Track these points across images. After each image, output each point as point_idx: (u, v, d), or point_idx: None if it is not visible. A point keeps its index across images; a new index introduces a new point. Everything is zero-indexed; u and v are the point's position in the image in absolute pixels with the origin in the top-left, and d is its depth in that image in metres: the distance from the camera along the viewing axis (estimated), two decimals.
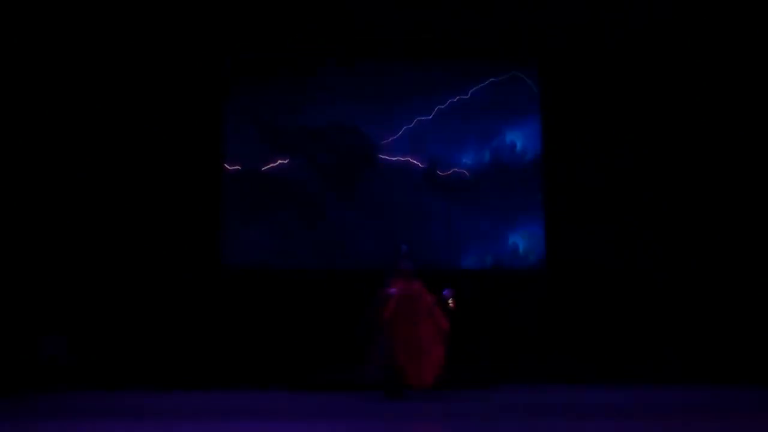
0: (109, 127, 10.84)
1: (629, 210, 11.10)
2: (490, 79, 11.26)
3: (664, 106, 11.21)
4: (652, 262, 10.94)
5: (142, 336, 10.56)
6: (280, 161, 11.03)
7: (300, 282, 10.85)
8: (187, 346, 10.59)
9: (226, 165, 10.97)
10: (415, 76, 11.22)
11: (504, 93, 11.27)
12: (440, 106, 11.22)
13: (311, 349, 10.53)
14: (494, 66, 11.31)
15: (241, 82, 11.10)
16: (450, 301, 7.86)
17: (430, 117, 11.19)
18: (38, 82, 10.71)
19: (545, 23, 11.03)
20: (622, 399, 8.16)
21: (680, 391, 8.93)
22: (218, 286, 10.82)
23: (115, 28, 10.84)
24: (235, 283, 10.84)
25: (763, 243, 10.72)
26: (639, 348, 10.70)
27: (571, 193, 11.13)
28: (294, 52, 11.13)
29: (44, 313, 10.41)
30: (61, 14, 10.62)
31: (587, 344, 10.70)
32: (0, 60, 10.47)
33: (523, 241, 11.03)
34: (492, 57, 11.30)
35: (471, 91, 11.25)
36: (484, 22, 10.99)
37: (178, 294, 10.69)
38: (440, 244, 10.90)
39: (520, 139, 11.24)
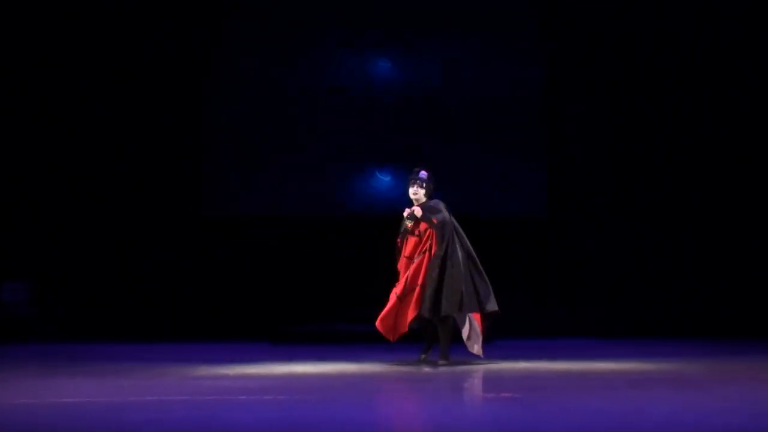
0: (83, 70, 10.40)
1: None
2: None
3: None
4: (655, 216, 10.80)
5: (115, 287, 10.26)
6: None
7: (284, 229, 10.57)
8: (163, 297, 10.31)
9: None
10: None
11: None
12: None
13: (295, 299, 10.28)
14: None
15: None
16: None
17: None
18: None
19: None
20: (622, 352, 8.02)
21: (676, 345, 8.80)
22: (198, 235, 10.50)
23: None
24: (216, 231, 10.53)
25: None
26: (642, 301, 10.62)
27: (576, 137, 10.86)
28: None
29: (8, 256, 10.07)
30: None
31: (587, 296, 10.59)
32: None
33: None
34: None
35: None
36: None
37: (156, 242, 10.39)
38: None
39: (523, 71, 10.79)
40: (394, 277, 7.09)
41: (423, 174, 7.22)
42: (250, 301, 10.31)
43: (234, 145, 10.59)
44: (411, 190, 7.22)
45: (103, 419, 4.28)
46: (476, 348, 7.02)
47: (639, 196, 10.84)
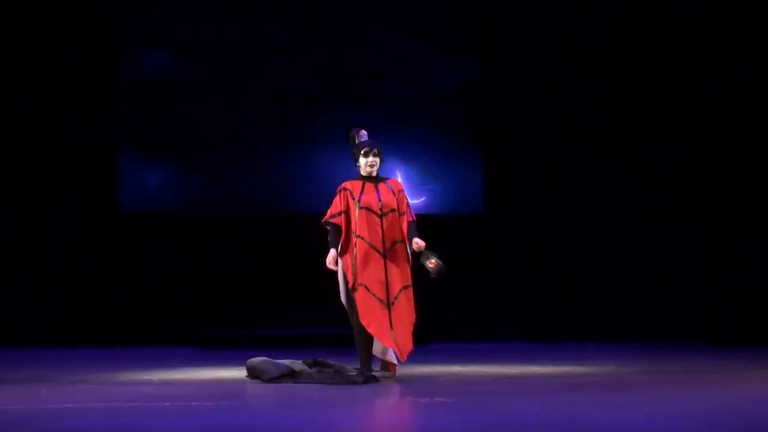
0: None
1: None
2: None
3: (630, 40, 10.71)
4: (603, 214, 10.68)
5: (31, 289, 9.90)
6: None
7: (206, 227, 10.26)
8: (83, 300, 9.95)
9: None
10: None
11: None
12: None
13: (221, 300, 10.06)
14: None
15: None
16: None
17: None
18: None
19: None
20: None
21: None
22: (115, 233, 10.15)
23: None
24: (133, 229, 10.19)
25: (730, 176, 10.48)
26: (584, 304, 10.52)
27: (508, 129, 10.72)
28: None
29: None
30: None
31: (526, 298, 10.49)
32: None
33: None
34: None
35: None
36: None
37: (75, 242, 10.03)
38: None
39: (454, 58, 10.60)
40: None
41: (364, 135, 6.36)
42: (174, 303, 10.03)
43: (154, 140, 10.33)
44: (366, 161, 6.28)
45: (18, 428, 4.11)
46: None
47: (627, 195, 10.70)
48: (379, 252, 6.14)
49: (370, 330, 6.04)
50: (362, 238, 6.15)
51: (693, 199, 10.48)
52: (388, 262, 6.14)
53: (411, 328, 6.14)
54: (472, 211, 10.54)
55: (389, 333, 6.02)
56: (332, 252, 6.20)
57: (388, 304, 6.09)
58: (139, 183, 10.23)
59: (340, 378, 5.95)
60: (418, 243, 6.08)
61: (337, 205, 6.27)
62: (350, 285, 6.13)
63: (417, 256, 6.14)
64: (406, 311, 6.14)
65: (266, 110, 10.39)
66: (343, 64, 10.50)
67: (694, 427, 4.06)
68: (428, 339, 9.23)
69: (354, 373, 6.04)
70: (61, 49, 10.10)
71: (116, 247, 10.16)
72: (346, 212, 6.23)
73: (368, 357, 6.19)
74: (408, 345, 6.07)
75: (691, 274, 10.44)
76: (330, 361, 6.32)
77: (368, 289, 6.09)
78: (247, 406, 4.96)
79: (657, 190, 10.62)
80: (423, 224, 6.30)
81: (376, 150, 6.30)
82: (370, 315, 6.04)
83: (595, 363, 7.37)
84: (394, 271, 6.15)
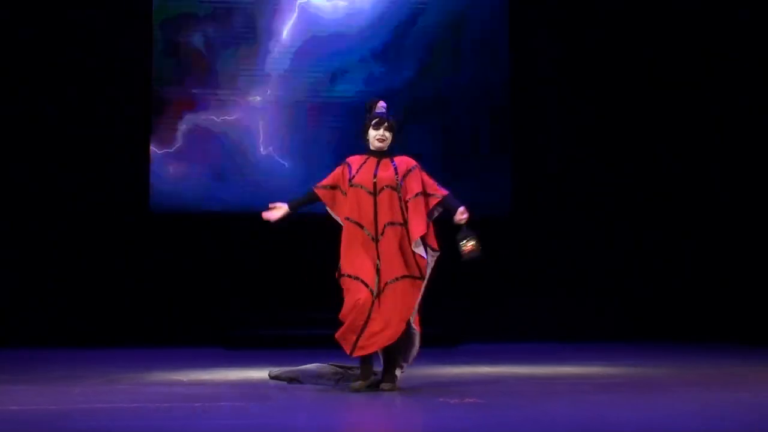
0: (35, 66, 10.07)
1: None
2: None
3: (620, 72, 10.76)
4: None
5: (62, 291, 9.90)
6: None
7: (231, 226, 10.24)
8: (114, 302, 9.99)
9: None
10: None
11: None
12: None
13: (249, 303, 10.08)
14: None
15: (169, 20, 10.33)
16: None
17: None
18: None
19: None
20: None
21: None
22: (147, 231, 10.19)
23: None
24: (164, 227, 10.22)
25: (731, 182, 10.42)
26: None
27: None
28: None
29: None
30: None
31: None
32: None
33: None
34: None
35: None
36: None
37: (105, 245, 10.06)
38: None
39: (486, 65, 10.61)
40: None
41: (382, 107, 5.59)
42: (202, 305, 10.06)
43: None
44: (376, 134, 5.53)
45: (49, 428, 4.12)
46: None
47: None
48: (370, 235, 5.41)
49: (340, 330, 5.36)
50: (349, 219, 5.47)
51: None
52: (381, 246, 5.39)
53: (399, 321, 5.31)
54: (501, 212, 10.48)
55: (352, 337, 5.29)
56: (280, 207, 5.59)
57: (376, 293, 5.33)
58: (170, 182, 10.26)
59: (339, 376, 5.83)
60: (461, 213, 5.39)
61: (331, 177, 5.64)
62: (336, 273, 5.52)
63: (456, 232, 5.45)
64: (397, 302, 5.33)
65: (296, 107, 10.43)
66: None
67: (725, 427, 4.03)
68: (458, 340, 9.22)
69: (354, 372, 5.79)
70: (95, 50, 10.16)
71: (147, 247, 10.21)
72: (333, 188, 5.60)
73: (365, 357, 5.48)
74: (380, 339, 5.29)
75: (723, 275, 10.29)
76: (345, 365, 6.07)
77: (352, 277, 5.38)
78: (279, 407, 4.94)
79: (688, 191, 10.59)
80: (450, 225, 5.76)
81: (388, 124, 5.52)
82: (347, 310, 5.33)
83: (624, 364, 7.33)
84: (391, 258, 5.38)
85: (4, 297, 9.74)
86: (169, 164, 10.27)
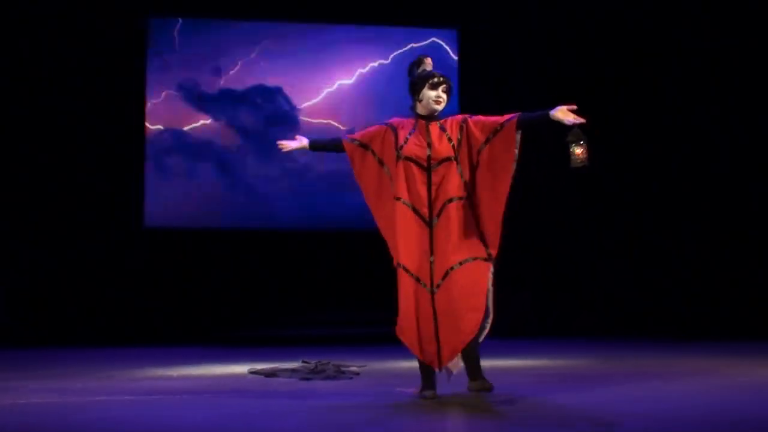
0: (29, 88, 10.43)
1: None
2: (410, 45, 11.23)
3: (592, 79, 10.84)
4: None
5: (59, 293, 10.28)
6: (202, 122, 10.85)
7: (220, 242, 10.68)
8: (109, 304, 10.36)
9: (147, 125, 10.74)
10: (336, 40, 11.10)
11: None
12: (361, 70, 11.18)
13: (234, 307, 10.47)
14: (415, 33, 11.19)
15: (161, 44, 10.85)
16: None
17: (351, 81, 11.14)
18: None
19: None
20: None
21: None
22: (140, 247, 10.57)
23: None
24: (157, 243, 10.62)
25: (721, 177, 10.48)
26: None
27: None
28: (213, 14, 10.93)
29: None
30: None
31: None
32: None
33: None
34: (413, 24, 11.17)
35: (392, 56, 11.20)
36: None
37: (102, 255, 10.43)
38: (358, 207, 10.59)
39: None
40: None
41: (431, 64, 4.91)
42: (195, 308, 10.45)
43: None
44: (431, 95, 4.78)
45: (50, 419, 4.31)
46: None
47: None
48: (423, 219, 4.70)
49: (401, 338, 4.73)
50: (400, 200, 4.73)
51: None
52: (436, 230, 4.67)
53: (473, 310, 4.60)
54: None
55: (431, 348, 4.62)
56: (300, 139, 5.10)
57: (432, 290, 4.64)
58: (163, 196, 10.63)
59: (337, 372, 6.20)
60: (562, 109, 4.67)
61: (366, 133, 4.96)
62: (393, 263, 4.79)
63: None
64: (465, 290, 4.59)
65: (293, 123, 10.86)
66: None
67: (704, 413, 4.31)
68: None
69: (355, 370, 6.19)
70: (88, 60, 10.49)
71: (143, 260, 10.56)
72: (364, 147, 4.90)
73: (425, 368, 4.75)
74: (454, 344, 4.61)
75: (737, 271, 10.27)
76: (333, 363, 6.52)
77: (408, 271, 4.69)
78: (257, 396, 5.14)
79: (702, 187, 10.60)
80: None
81: (447, 85, 4.81)
82: (404, 315, 4.70)
83: (641, 357, 7.49)
84: (446, 242, 4.63)
85: (11, 300, 10.09)
86: (163, 175, 10.63)
